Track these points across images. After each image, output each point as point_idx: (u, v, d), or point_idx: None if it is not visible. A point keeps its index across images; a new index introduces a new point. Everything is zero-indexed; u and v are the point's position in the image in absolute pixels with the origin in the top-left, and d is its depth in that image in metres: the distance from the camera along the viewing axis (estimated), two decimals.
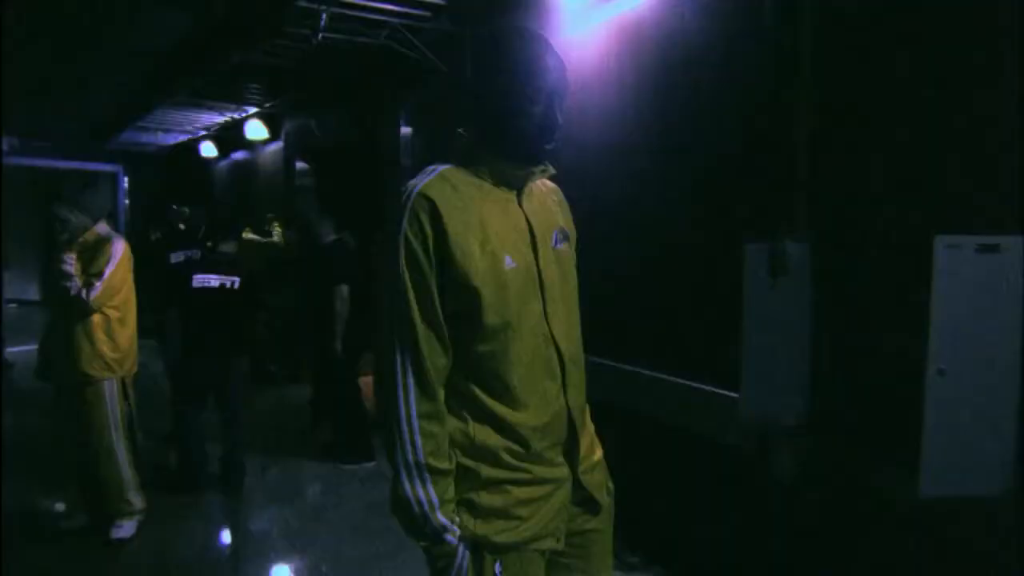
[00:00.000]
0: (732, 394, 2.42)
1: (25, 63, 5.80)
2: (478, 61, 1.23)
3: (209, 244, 3.93)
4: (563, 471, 1.27)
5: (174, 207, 4.98)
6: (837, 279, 2.22)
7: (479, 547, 1.19)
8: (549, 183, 1.41)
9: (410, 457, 1.16)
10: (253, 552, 3.27)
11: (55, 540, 3.26)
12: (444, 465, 1.17)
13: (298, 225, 6.05)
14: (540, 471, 1.23)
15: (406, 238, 1.16)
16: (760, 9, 2.37)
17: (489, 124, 1.22)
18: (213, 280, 3.75)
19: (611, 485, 1.41)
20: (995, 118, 1.84)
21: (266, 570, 3.13)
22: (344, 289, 4.18)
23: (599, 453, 1.40)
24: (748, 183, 2.47)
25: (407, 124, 5.07)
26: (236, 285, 3.81)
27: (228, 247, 3.93)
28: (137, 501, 3.28)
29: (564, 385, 1.27)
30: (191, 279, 3.74)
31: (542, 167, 1.28)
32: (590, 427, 1.40)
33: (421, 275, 1.16)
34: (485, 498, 1.20)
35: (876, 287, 2.12)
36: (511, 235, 1.22)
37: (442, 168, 1.23)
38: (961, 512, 1.91)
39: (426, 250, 1.15)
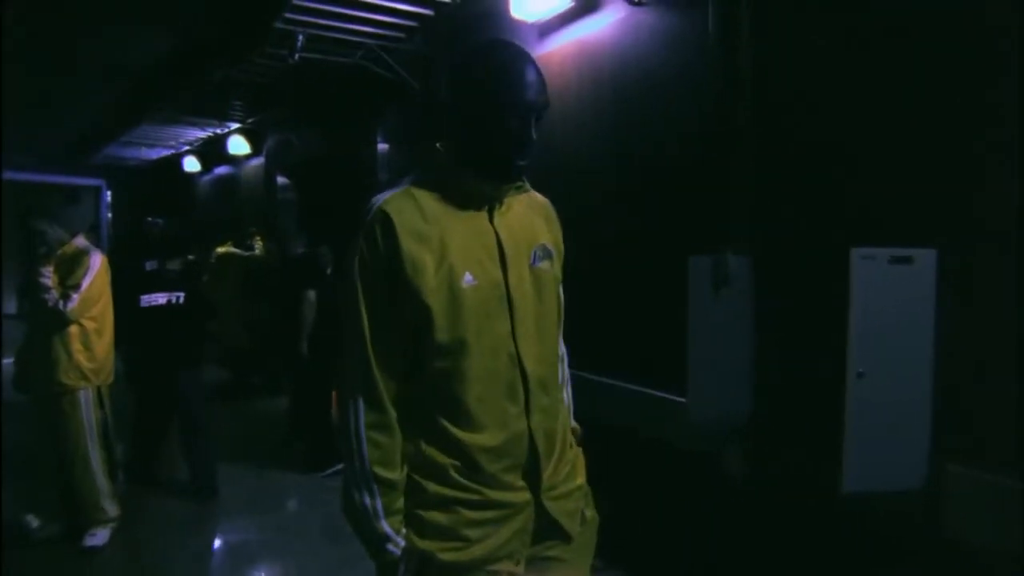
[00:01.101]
0: (682, 399, 2.55)
1: (9, 77, 5.87)
2: (455, 74, 1.21)
3: (157, 262, 4.07)
4: (522, 496, 1.22)
5: (148, 219, 5.11)
6: (775, 290, 2.36)
7: (426, 564, 1.17)
8: (539, 198, 1.39)
9: (357, 466, 1.17)
10: (227, 559, 3.34)
11: (29, 548, 3.30)
12: (392, 475, 1.17)
13: (278, 238, 6.15)
14: (493, 494, 1.19)
15: (360, 251, 1.17)
16: (705, 40, 2.53)
17: (463, 138, 1.21)
18: (160, 298, 3.91)
19: (590, 514, 1.37)
20: (908, 144, 2.00)
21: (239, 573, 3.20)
22: (311, 294, 4.35)
23: (578, 480, 1.34)
24: (695, 198, 2.62)
25: (384, 140, 5.21)
26: (181, 300, 3.96)
27: (174, 264, 4.08)
28: (111, 509, 3.34)
29: (527, 408, 1.23)
30: (139, 300, 3.86)
31: (518, 184, 1.27)
32: (571, 453, 1.35)
33: (373, 288, 1.16)
34: (431, 516, 1.18)
35: (809, 296, 2.26)
36: (476, 252, 1.20)
37: (409, 183, 1.23)
38: (889, 505, 2.04)
39: (379, 264, 1.15)
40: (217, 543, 3.57)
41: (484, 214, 1.23)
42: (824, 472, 2.15)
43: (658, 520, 2.86)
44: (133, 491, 3.80)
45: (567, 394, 1.45)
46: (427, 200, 1.20)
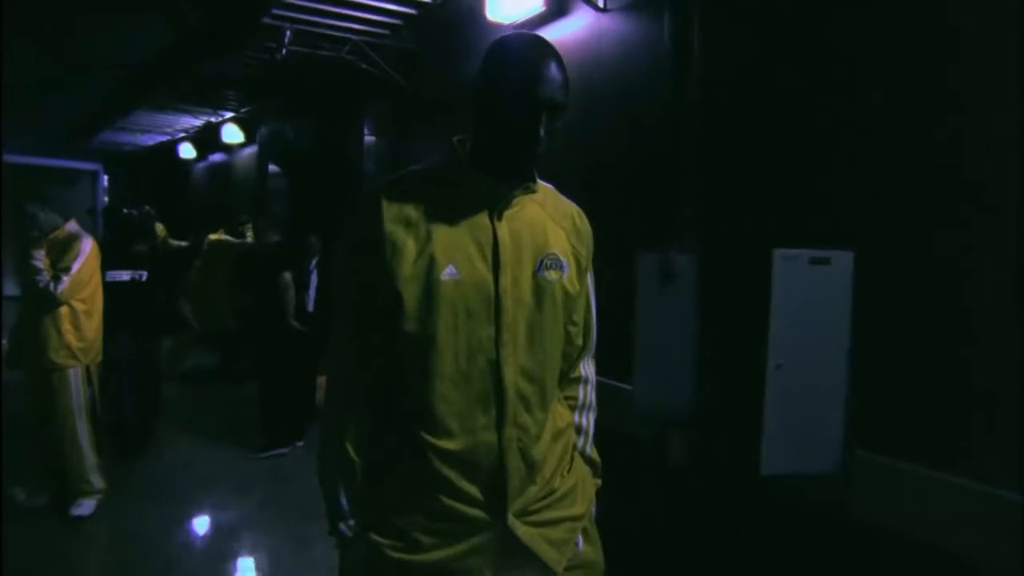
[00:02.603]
0: (628, 387, 2.71)
1: (7, 62, 6.01)
2: (480, 66, 1.16)
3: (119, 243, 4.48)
4: (479, 512, 1.13)
5: (124, 210, 5.45)
6: (718, 287, 2.52)
7: (378, 555, 1.14)
8: (567, 206, 1.31)
9: (330, 439, 1.20)
10: (208, 530, 3.52)
11: (18, 518, 3.48)
12: (358, 459, 1.18)
13: (266, 226, 6.30)
14: (449, 502, 1.12)
15: (347, 229, 1.19)
16: (660, 52, 2.69)
17: (474, 131, 1.18)
18: (124, 275, 4.27)
19: (586, 549, 1.27)
20: (832, 155, 2.16)
21: (216, 545, 3.38)
22: (286, 275, 4.60)
23: (574, 511, 1.24)
24: (647, 198, 2.78)
25: (370, 133, 5.36)
26: (144, 278, 4.37)
27: (140, 246, 4.50)
28: (97, 481, 3.51)
29: (500, 420, 1.14)
30: (104, 275, 4.18)
31: (524, 186, 1.19)
32: (569, 480, 1.25)
33: (354, 265, 1.16)
34: (387, 511, 1.16)
35: (746, 294, 2.42)
36: (466, 247, 1.14)
37: (415, 169, 1.22)
38: (811, 487, 2.21)
39: (361, 242, 1.15)
40: (199, 515, 3.75)
41: (486, 211, 1.17)
42: (752, 457, 2.33)
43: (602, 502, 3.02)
44: (118, 465, 3.97)
45: (585, 419, 1.36)
46: (424, 188, 1.17)
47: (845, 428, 2.07)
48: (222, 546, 3.39)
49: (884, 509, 2.00)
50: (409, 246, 1.12)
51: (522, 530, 1.15)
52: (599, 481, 1.36)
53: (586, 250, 1.31)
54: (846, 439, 2.07)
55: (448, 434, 1.13)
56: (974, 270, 1.85)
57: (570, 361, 1.32)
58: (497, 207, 1.17)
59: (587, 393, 1.37)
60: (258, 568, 3.21)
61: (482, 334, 1.13)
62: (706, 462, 2.55)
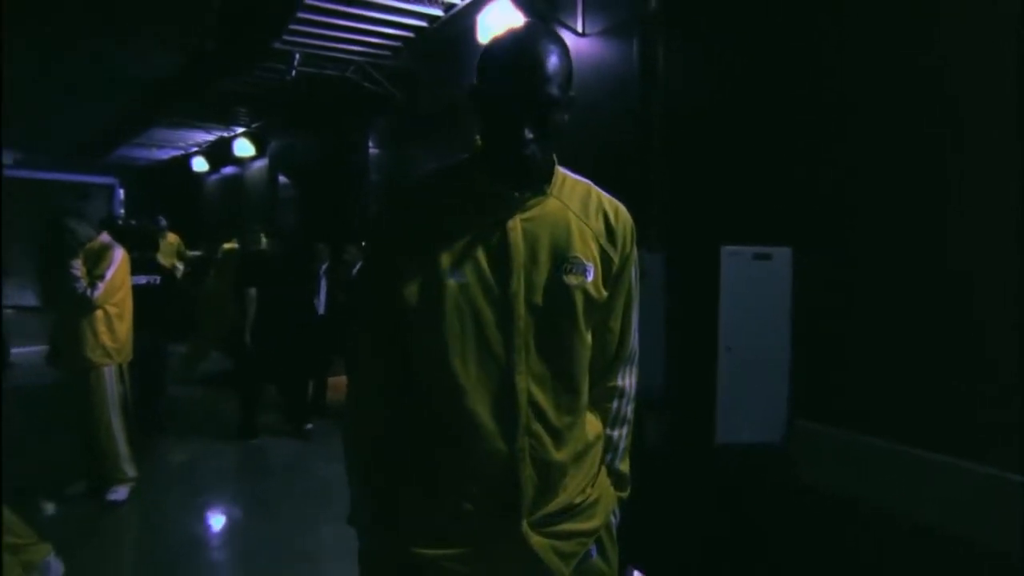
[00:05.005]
0: None
1: (27, 81, 6.40)
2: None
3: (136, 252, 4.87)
4: (495, 520, 1.12)
5: (132, 222, 5.93)
6: (679, 281, 2.84)
7: (394, 554, 1.15)
8: (606, 202, 1.24)
9: (351, 439, 1.21)
10: (228, 513, 3.86)
11: (59, 504, 3.82)
12: (376, 456, 1.19)
13: (277, 235, 6.65)
14: (464, 507, 1.12)
15: (368, 234, 1.23)
16: (630, 71, 3.02)
17: (481, 135, 1.13)
18: (141, 279, 4.64)
19: (595, 560, 1.24)
20: (774, 165, 2.48)
21: (231, 527, 3.71)
22: (251, 291, 5.00)
23: (592, 523, 1.21)
24: (618, 201, 3.09)
25: (374, 146, 5.71)
26: (157, 282, 4.79)
27: (150, 255, 4.96)
28: (130, 470, 3.86)
29: (514, 428, 1.10)
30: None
31: (535, 187, 1.14)
32: (592, 493, 1.22)
33: (374, 270, 1.16)
34: (401, 509, 1.17)
35: (705, 287, 2.73)
36: (474, 250, 1.11)
37: (431, 171, 1.22)
38: (759, 456, 2.51)
39: (379, 248, 1.16)
40: (221, 501, 4.09)
41: (497, 214, 1.13)
42: (708, 429, 2.64)
43: None
44: (149, 455, 4.32)
45: (617, 433, 1.31)
46: (436, 191, 1.17)
47: (788, 402, 2.37)
48: (238, 526, 3.73)
49: (823, 470, 2.31)
50: (418, 251, 1.10)
51: (534, 539, 1.13)
52: (625, 494, 1.32)
53: (621, 251, 1.22)
54: (788, 411, 2.38)
55: (458, 441, 1.11)
56: (892, 257, 2.16)
57: (602, 370, 1.26)
58: (508, 209, 1.13)
59: (622, 406, 1.31)
60: (271, 539, 3.54)
61: (492, 339, 1.10)
62: (673, 436, 2.86)
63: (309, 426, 5.16)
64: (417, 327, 1.11)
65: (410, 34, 4.48)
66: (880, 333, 2.17)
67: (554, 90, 1.04)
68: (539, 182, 1.15)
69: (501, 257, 1.11)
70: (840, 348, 2.30)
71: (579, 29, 3.41)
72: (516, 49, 1.06)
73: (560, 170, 1.20)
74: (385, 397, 1.18)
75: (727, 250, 2.32)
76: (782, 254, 2.35)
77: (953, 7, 1.96)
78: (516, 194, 1.12)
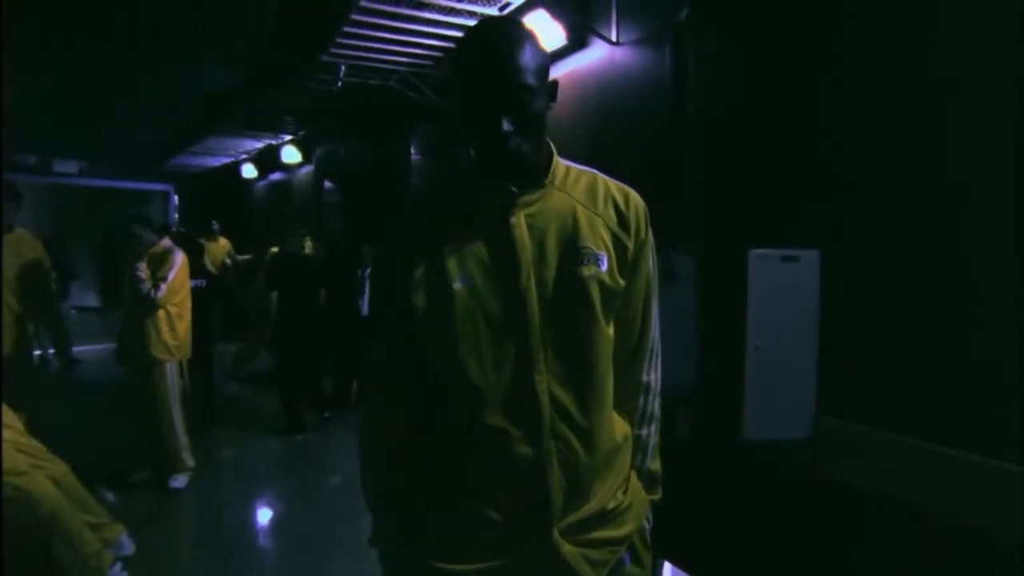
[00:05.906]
0: None
1: (91, 95, 6.82)
2: None
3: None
4: (525, 527, 1.10)
5: (181, 230, 6.30)
6: (712, 283, 2.91)
7: (417, 563, 1.14)
8: (615, 189, 1.22)
9: (370, 453, 1.21)
10: (275, 502, 4.08)
11: (125, 490, 4.10)
12: (393, 477, 1.18)
13: (322, 238, 6.92)
14: (491, 515, 1.09)
15: (382, 250, 1.20)
16: (663, 78, 3.11)
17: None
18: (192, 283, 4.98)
19: (628, 567, 1.21)
20: (804, 168, 2.54)
21: (278, 514, 3.93)
22: (274, 295, 5.35)
23: (625, 529, 1.19)
24: (651, 207, 3.18)
25: (416, 152, 5.91)
26: (203, 285, 5.12)
27: (196, 260, 5.15)
28: (189, 459, 4.12)
29: (538, 432, 1.08)
30: None
31: (531, 182, 1.12)
32: (623, 499, 1.19)
33: (388, 284, 1.14)
34: (426, 517, 1.15)
35: (734, 288, 2.80)
36: (479, 253, 1.10)
37: (439, 186, 1.43)
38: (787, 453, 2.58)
39: (392, 260, 1.15)
40: (270, 491, 4.32)
41: (498, 214, 1.12)
42: (737, 426, 2.71)
43: None
44: (206, 448, 4.59)
45: (645, 431, 1.29)
46: (442, 202, 1.18)
47: (815, 399, 2.43)
48: (284, 511, 3.95)
49: (847, 466, 2.36)
50: (427, 262, 1.10)
51: (566, 547, 1.11)
52: (657, 495, 1.30)
53: (635, 237, 1.20)
54: (815, 408, 2.43)
55: (482, 448, 1.09)
56: (914, 260, 2.20)
57: (625, 363, 1.24)
58: (508, 206, 1.11)
59: (648, 402, 1.28)
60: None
61: (506, 341, 1.08)
62: (703, 432, 2.94)
63: (327, 415, 5.57)
64: (431, 336, 1.10)
65: (450, 44, 4.64)
66: (907, 332, 2.22)
67: (525, 77, 1.02)
68: (535, 175, 1.13)
69: (507, 255, 1.10)
70: (867, 346, 2.35)
71: (613, 38, 3.52)
72: (481, 40, 1.05)
73: (560, 161, 1.18)
74: (402, 412, 1.16)
75: (755, 253, 2.40)
76: (810, 256, 2.41)
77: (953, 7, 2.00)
78: (513, 189, 1.10)
